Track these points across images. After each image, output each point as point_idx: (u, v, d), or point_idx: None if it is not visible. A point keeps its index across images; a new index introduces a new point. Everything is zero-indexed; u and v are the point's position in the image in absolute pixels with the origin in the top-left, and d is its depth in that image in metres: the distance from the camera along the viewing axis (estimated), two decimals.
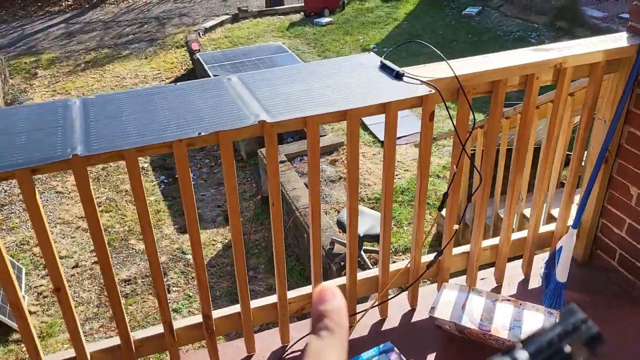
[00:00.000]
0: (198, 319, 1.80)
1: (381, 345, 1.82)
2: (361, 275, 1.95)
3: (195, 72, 9.10)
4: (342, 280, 1.95)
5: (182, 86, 1.55)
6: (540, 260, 2.19)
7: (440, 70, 1.66)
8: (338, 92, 1.53)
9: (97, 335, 5.01)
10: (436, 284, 2.11)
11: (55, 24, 12.64)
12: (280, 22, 10.91)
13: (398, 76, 1.58)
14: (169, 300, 5.55)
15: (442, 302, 1.88)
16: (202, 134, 1.30)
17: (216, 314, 1.82)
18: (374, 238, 4.64)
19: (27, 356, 4.97)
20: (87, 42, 11.30)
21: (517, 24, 9.72)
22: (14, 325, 4.97)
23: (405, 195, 5.59)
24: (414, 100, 1.53)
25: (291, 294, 1.89)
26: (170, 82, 9.36)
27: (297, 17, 11.18)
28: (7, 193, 6.67)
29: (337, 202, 5.65)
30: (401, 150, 6.37)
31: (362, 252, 4.78)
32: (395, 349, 1.80)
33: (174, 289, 5.47)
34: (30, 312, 5.34)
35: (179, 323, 1.80)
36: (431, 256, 2.05)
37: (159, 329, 1.77)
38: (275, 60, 8.21)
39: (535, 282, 2.15)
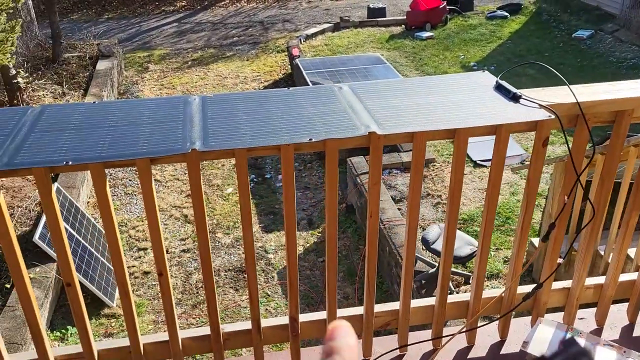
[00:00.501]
0: (285, 320, 1.83)
1: None
2: (451, 298, 1.90)
3: (293, 77, 9.31)
4: (431, 301, 1.91)
5: (296, 91, 1.58)
6: None
7: (559, 94, 1.58)
8: (449, 109, 1.50)
9: (179, 321, 5.22)
10: (529, 317, 2.01)
11: (169, 22, 13.42)
12: (381, 34, 10.93)
13: (515, 98, 1.52)
14: (247, 296, 5.66)
15: (536, 337, 1.79)
16: (313, 140, 1.32)
17: (303, 317, 1.84)
18: (458, 260, 4.51)
19: (116, 332, 5.26)
20: (196, 42, 11.89)
21: (632, 51, 9.13)
22: (107, 301, 5.29)
23: (495, 219, 5.39)
24: (529, 125, 1.47)
25: (378, 308, 1.87)
26: (269, 85, 9.66)
27: (397, 29, 11.16)
28: (111, 176, 7.12)
29: (422, 219, 5.55)
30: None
31: None
32: None
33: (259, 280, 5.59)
34: None
35: (266, 322, 1.83)
36: (527, 287, 1.95)
37: (247, 324, 1.81)
38: (371, 71, 8.23)
39: None
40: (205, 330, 1.80)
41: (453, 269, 4.78)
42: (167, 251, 6.15)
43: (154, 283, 5.63)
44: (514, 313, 1.97)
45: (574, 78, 8.81)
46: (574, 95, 1.52)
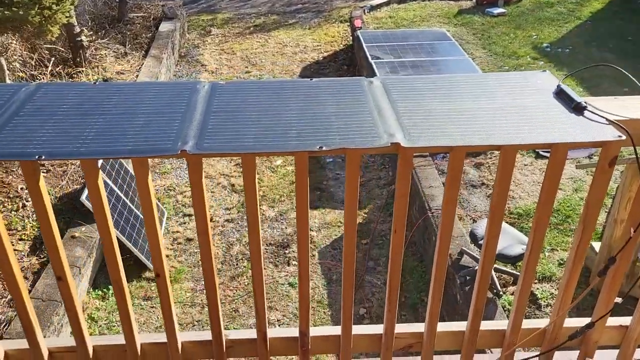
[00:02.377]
0: (295, 332, 1.67)
1: None
2: (485, 325, 1.67)
3: (353, 48, 9.00)
4: (462, 326, 1.69)
5: (318, 84, 1.37)
6: None
7: (633, 105, 1.30)
8: (495, 118, 1.25)
9: None
10: (576, 351, 1.76)
11: None
12: (449, 8, 10.37)
13: (578, 108, 1.26)
14: (287, 274, 5.57)
15: None
16: (324, 148, 1.12)
17: (314, 332, 1.67)
18: (509, 259, 4.21)
19: (154, 295, 5.30)
20: (259, 7, 11.73)
21: None
22: (149, 264, 5.34)
23: (554, 217, 5.01)
24: (594, 142, 1.20)
25: (400, 328, 1.68)
26: (328, 56, 9.40)
27: (467, 3, 10.56)
28: None
29: (474, 210, 5.25)
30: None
31: (493, 273, 4.37)
32: None
33: (294, 262, 5.50)
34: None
35: (274, 332, 1.68)
36: (575, 321, 1.70)
37: (253, 333, 1.67)
38: (435, 47, 7.81)
39: None
40: (208, 334, 1.67)
41: (502, 267, 4.50)
42: (211, 219, 6.14)
43: (196, 250, 5.63)
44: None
45: None
46: None
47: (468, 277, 4.39)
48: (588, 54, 8.18)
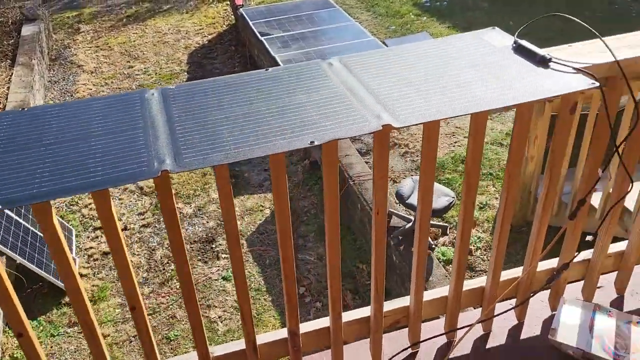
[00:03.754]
0: (283, 333, 1.59)
1: None
2: (466, 285, 1.70)
3: (238, 27, 8.76)
4: (444, 291, 1.70)
5: (276, 74, 1.27)
6: None
7: (588, 51, 1.34)
8: (468, 84, 1.23)
9: (148, 301, 4.95)
10: (546, 291, 1.84)
11: None
12: None
13: (543, 62, 1.27)
14: (218, 268, 5.41)
15: (563, 322, 1.62)
16: (316, 142, 1.04)
17: (304, 328, 1.60)
18: (436, 212, 4.36)
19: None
20: None
21: None
22: (63, 285, 4.95)
23: (491, 168, 5.26)
24: (569, 94, 1.22)
25: (387, 306, 1.65)
26: (213, 39, 9.08)
27: None
28: None
29: (392, 171, 5.37)
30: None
31: None
32: None
33: (223, 255, 5.35)
34: (81, 275, 5.32)
35: (262, 338, 1.59)
36: (543, 264, 1.78)
37: (241, 344, 1.57)
38: (322, 15, 7.81)
39: None
40: (194, 356, 1.55)
41: (432, 222, 4.65)
42: (125, 228, 5.79)
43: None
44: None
45: (527, 8, 8.60)
46: (612, 52, 1.28)
47: (401, 237, 4.50)
48: (464, 3, 8.55)
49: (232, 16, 9.26)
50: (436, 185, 4.62)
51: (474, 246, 4.44)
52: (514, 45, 1.34)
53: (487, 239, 4.58)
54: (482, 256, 4.47)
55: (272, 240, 5.42)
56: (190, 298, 1.35)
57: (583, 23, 1.30)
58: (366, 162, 5.47)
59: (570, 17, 1.32)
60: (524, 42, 1.33)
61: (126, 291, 1.25)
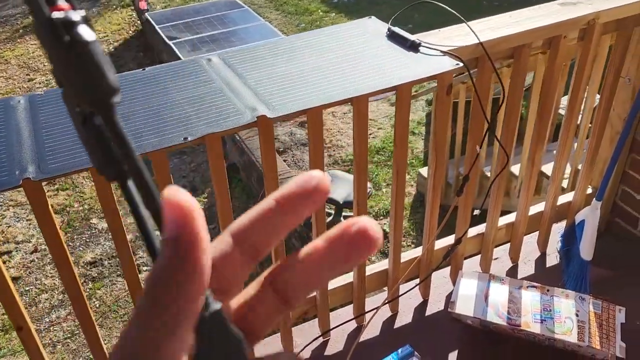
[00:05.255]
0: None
1: (399, 350, 1.63)
2: (369, 270, 1.74)
3: (145, 33, 8.52)
4: (349, 278, 1.74)
5: (153, 72, 1.25)
6: (554, 232, 2.03)
7: (457, 34, 1.41)
8: (343, 71, 1.27)
9: (65, 324, 4.72)
10: (447, 268, 1.92)
11: None
12: None
13: (413, 46, 1.32)
14: (142, 281, 5.26)
15: (461, 295, 1.69)
16: (189, 139, 1.03)
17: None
18: (351, 204, 4.44)
19: None
20: (24, 5, 10.42)
21: None
22: None
23: (381, 155, 5.39)
24: (436, 76, 1.28)
25: None
26: (119, 46, 8.77)
27: None
28: None
29: (306, 165, 5.41)
30: (372, 107, 6.12)
31: (343, 219, 4.58)
32: (416, 353, 1.61)
33: (144, 268, 5.19)
34: None
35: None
36: (440, 242, 1.85)
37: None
38: (230, 17, 7.73)
39: (553, 258, 1.99)
40: None
41: (348, 213, 4.73)
42: (35, 250, 5.49)
43: (27, 288, 5.01)
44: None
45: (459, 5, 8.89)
46: (476, 34, 1.35)
47: None
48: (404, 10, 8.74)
49: (138, 21, 8.99)
50: (351, 176, 4.71)
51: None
52: (388, 32, 1.39)
53: (405, 226, 4.71)
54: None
55: None
56: (86, 322, 1.30)
57: (450, 9, 1.37)
58: (284, 160, 5.49)
59: (439, 4, 1.38)
60: (397, 29, 1.37)
61: (8, 310, 1.18)
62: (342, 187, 4.48)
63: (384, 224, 4.67)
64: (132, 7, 9.36)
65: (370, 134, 5.96)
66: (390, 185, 5.06)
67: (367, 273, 1.72)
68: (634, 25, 1.61)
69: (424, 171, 4.55)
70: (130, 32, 9.08)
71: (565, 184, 2.36)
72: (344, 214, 4.61)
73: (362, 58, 1.31)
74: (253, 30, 7.37)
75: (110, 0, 10.19)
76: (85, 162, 0.97)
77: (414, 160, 5.36)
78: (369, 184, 4.60)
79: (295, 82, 1.23)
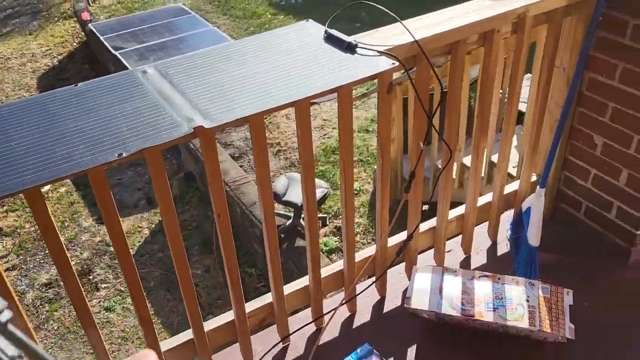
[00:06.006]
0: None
1: (358, 350, 1.63)
2: (325, 272, 1.74)
3: (90, 44, 8.31)
4: (305, 281, 1.73)
5: (86, 88, 1.22)
6: (503, 221, 2.08)
7: (394, 34, 1.42)
8: (281, 76, 1.26)
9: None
10: (402, 264, 1.94)
11: None
12: None
13: (350, 48, 1.33)
14: (98, 299, 5.11)
15: (416, 289, 1.71)
16: (124, 154, 1.00)
17: (167, 345, 1.56)
18: None
19: None
20: None
21: None
22: None
23: (337, 155, 5.41)
24: (374, 76, 1.29)
25: (250, 306, 1.65)
26: (63, 59, 8.53)
27: None
28: None
29: None
30: (326, 107, 6.15)
31: (303, 222, 4.57)
32: (375, 351, 1.62)
33: (103, 285, 5.06)
34: None
35: None
36: (395, 239, 1.87)
37: None
38: (177, 24, 7.63)
39: (503, 247, 2.03)
40: None
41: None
42: None
43: None
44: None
45: (399, 8, 8.96)
46: (411, 33, 1.37)
47: (283, 235, 4.53)
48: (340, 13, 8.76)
49: (82, 33, 8.76)
50: None
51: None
52: (325, 35, 1.39)
53: (365, 223, 4.74)
54: (362, 240, 4.62)
55: (155, 260, 5.22)
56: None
57: (384, 9, 1.38)
58: (240, 166, 5.45)
59: (372, 4, 1.40)
60: (333, 32, 1.38)
61: None
62: (299, 189, 4.48)
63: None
64: (75, 19, 9.12)
65: (325, 134, 5.99)
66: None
67: (323, 275, 1.72)
68: (563, 17, 1.66)
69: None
70: (75, 44, 8.85)
71: (516, 172, 2.42)
72: (303, 215, 4.61)
73: (301, 62, 1.31)
74: (201, 36, 7.29)
75: (51, 12, 9.90)
76: (14, 187, 0.94)
77: (369, 158, 5.41)
78: (326, 184, 4.62)
79: (235, 89, 1.22)
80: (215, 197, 1.34)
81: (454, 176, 3.87)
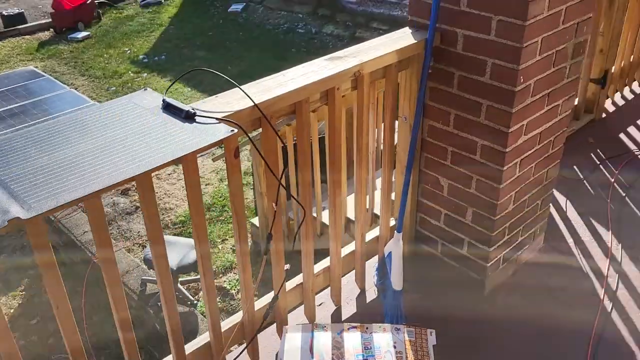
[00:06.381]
0: None
1: None
2: (189, 348, 1.65)
3: None
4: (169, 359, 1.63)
5: None
6: (370, 267, 2.12)
7: (235, 99, 1.42)
8: (118, 152, 1.20)
9: None
10: (274, 324, 1.90)
11: None
12: (28, 43, 9.58)
13: (189, 116, 1.30)
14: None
15: (287, 350, 1.68)
16: None
17: None
18: (189, 268, 4.27)
19: None
20: None
21: (282, 16, 9.93)
22: None
23: (213, 211, 5.30)
24: (214, 144, 1.27)
25: None
26: None
27: (46, 34, 9.93)
28: None
29: (139, 236, 5.12)
30: (197, 162, 6.03)
31: (180, 286, 4.38)
32: None
33: None
34: None
35: None
36: (265, 299, 1.83)
37: None
38: (30, 88, 7.16)
39: (372, 293, 2.07)
40: None
41: (187, 277, 4.54)
42: None
43: None
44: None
45: (243, 52, 9.16)
46: (250, 97, 1.37)
47: (159, 303, 4.29)
48: (182, 55, 8.72)
49: None
50: (185, 240, 4.54)
51: (234, 290, 4.47)
52: (163, 104, 1.36)
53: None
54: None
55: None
56: None
57: (225, 77, 1.38)
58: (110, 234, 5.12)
59: (211, 71, 1.39)
60: (171, 100, 1.35)
61: None
62: (174, 251, 4.28)
63: (224, 280, 4.56)
64: None
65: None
66: (225, 241, 4.98)
67: (187, 351, 1.63)
68: (397, 71, 1.77)
69: (255, 221, 4.55)
70: None
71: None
72: (180, 279, 4.41)
73: (138, 134, 1.26)
74: (58, 99, 6.90)
75: None
76: None
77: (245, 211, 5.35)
78: None
79: (65, 171, 1.14)
80: (52, 288, 1.22)
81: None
